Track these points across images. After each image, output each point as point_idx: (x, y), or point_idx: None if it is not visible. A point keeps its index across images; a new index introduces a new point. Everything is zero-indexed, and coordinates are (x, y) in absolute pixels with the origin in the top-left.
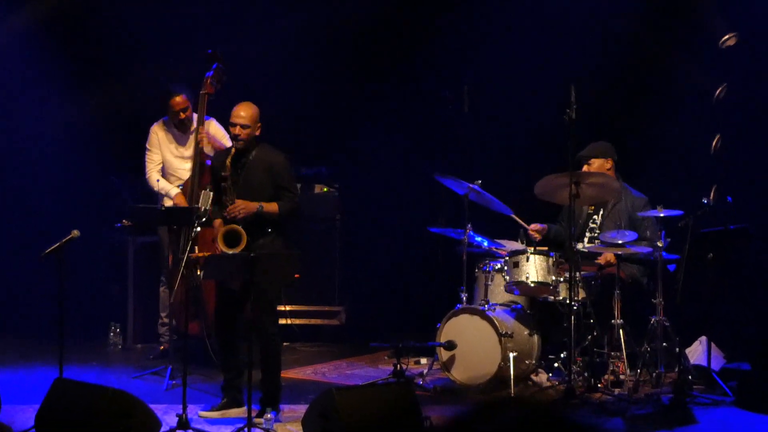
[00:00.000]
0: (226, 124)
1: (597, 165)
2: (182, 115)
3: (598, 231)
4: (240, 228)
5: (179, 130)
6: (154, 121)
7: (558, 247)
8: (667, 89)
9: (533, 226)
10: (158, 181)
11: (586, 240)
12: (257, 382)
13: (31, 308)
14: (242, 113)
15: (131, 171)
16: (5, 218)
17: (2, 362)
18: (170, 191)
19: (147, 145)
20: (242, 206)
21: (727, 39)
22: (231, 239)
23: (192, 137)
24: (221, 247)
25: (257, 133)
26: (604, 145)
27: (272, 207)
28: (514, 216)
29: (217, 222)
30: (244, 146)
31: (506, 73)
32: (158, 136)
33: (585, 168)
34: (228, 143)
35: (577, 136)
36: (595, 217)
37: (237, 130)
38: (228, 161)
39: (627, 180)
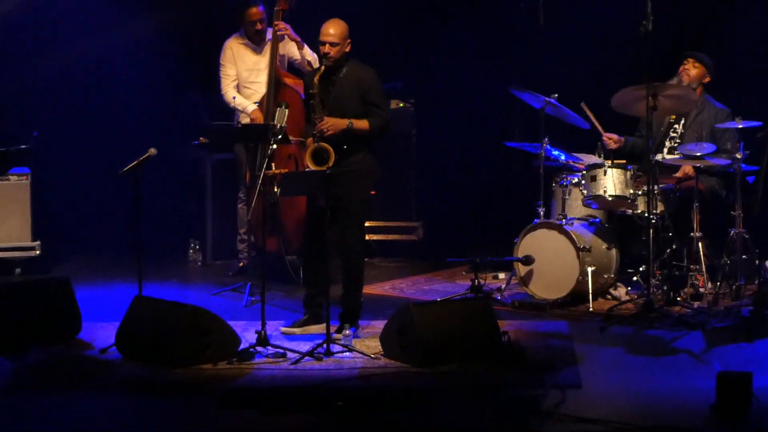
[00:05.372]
0: (307, 40)
1: (695, 72)
2: (258, 26)
3: (678, 141)
4: (327, 146)
5: (254, 42)
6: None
7: (636, 160)
8: None
9: (608, 134)
10: (234, 98)
11: (665, 150)
12: (338, 298)
13: (111, 226)
14: (331, 30)
15: (208, 87)
16: (83, 137)
17: (83, 280)
18: (247, 107)
19: (221, 61)
20: (330, 123)
21: None
22: (318, 157)
23: (267, 48)
24: (309, 164)
25: (347, 49)
26: (711, 61)
27: (362, 124)
28: (592, 118)
29: (309, 140)
30: (334, 64)
31: None
32: (233, 50)
33: (682, 67)
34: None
35: (653, 47)
36: (677, 126)
37: (327, 48)
38: (316, 79)
39: (708, 91)
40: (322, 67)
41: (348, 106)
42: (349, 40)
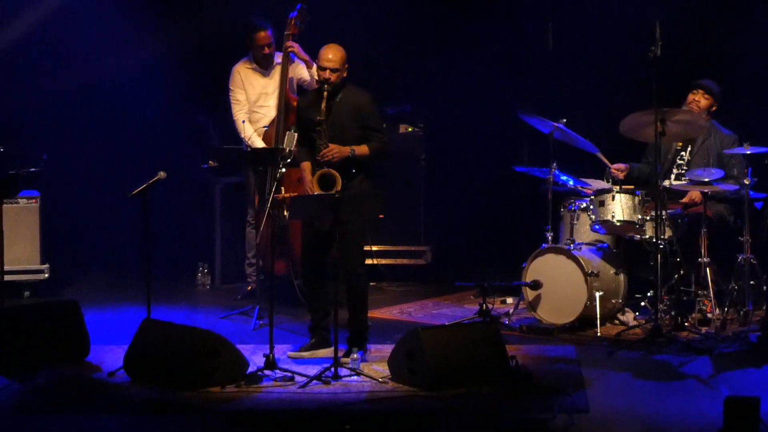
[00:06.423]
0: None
1: (705, 102)
2: (266, 50)
3: (685, 168)
4: (334, 171)
5: (262, 66)
6: (238, 61)
7: (643, 186)
8: (753, 21)
9: (616, 165)
10: (244, 122)
11: (672, 177)
12: (344, 322)
13: (120, 249)
14: (331, 56)
15: (218, 111)
16: (92, 160)
17: (91, 303)
18: (255, 142)
19: (230, 86)
20: (336, 150)
21: None
22: (326, 183)
23: (275, 72)
24: (316, 191)
25: (345, 75)
26: (719, 90)
27: (363, 150)
28: (599, 154)
29: (305, 165)
30: (332, 89)
31: (591, 9)
32: (241, 75)
33: (690, 95)
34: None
35: (662, 73)
36: (683, 153)
37: (327, 74)
38: (323, 105)
39: (714, 117)
40: (325, 93)
41: (346, 131)
42: (347, 65)
